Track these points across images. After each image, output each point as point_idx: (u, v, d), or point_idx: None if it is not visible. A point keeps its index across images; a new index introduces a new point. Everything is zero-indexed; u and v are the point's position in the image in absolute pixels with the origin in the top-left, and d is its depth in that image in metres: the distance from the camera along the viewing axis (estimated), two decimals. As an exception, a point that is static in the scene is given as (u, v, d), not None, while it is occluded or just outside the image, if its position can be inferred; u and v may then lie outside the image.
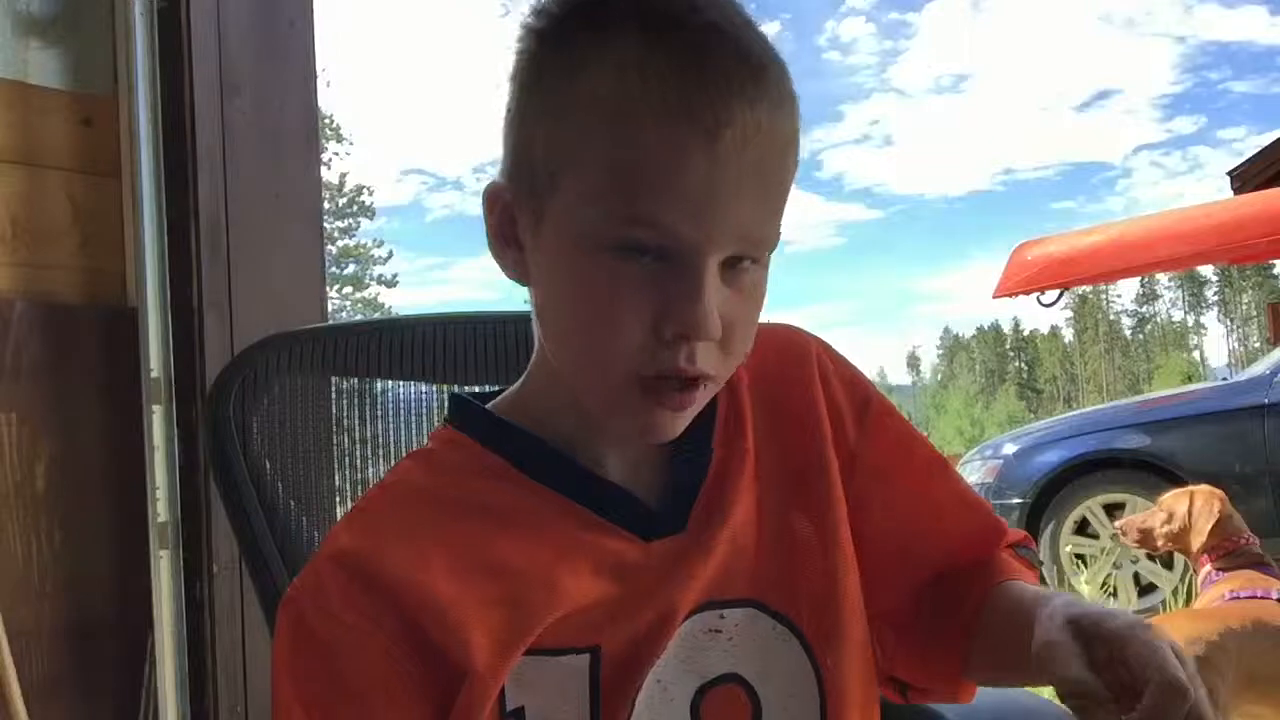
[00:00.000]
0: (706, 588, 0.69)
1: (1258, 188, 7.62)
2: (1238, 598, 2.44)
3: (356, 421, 1.03)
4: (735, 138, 0.59)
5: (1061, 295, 5.46)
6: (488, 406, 0.73)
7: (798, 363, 0.76)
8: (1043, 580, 0.77)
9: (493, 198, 0.68)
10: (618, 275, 0.61)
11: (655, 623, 0.67)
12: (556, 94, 0.62)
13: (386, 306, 43.32)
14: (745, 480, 0.72)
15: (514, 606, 0.64)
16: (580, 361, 0.66)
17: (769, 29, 0.66)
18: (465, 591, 0.63)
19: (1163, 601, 4.77)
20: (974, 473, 5.68)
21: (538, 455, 0.69)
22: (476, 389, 0.89)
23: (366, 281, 43.68)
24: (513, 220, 0.67)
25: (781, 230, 0.66)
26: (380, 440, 1.03)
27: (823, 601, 0.71)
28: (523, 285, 0.68)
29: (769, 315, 0.69)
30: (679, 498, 0.70)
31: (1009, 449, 5.63)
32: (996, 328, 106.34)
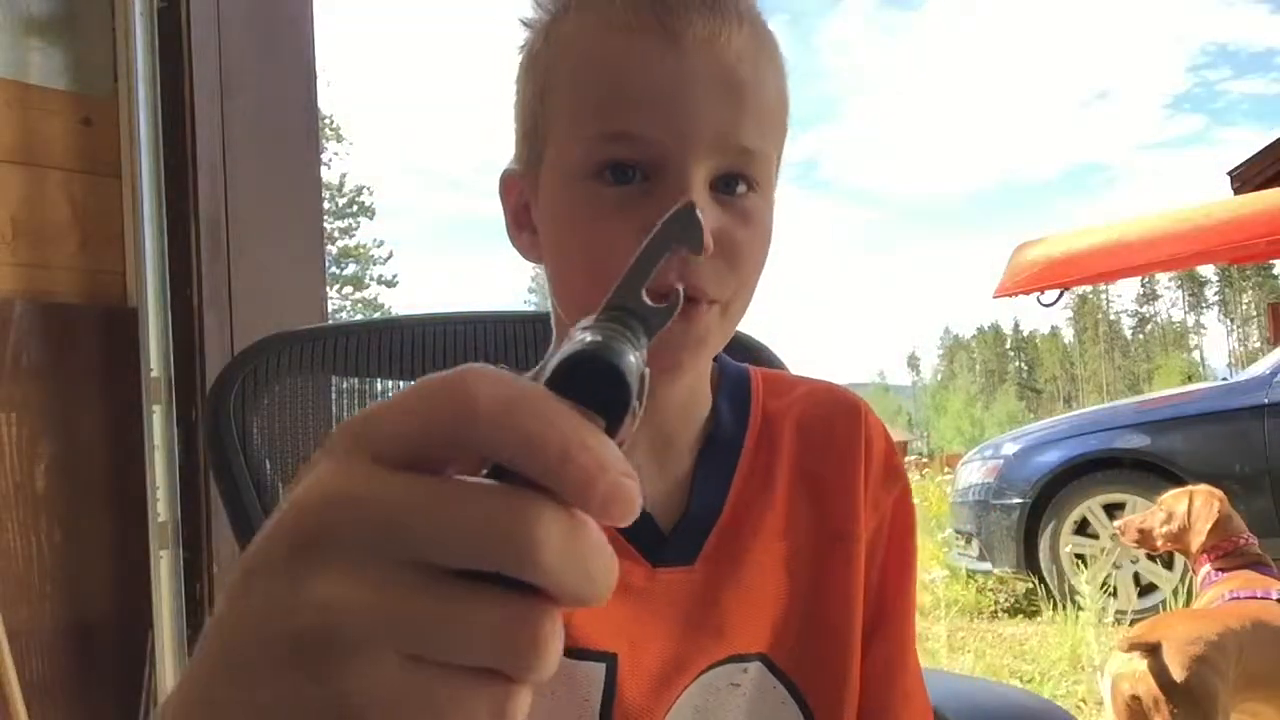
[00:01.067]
0: (727, 640, 0.68)
1: (1258, 188, 7.62)
2: (1237, 598, 2.44)
3: (356, 421, 1.03)
4: (697, 40, 0.62)
5: (1061, 295, 5.45)
6: None
7: (847, 419, 0.76)
8: None
9: (507, 184, 0.71)
10: (608, 199, 0.62)
11: (670, 662, 0.66)
12: (540, 54, 0.67)
13: (386, 306, 43.34)
14: (768, 532, 0.71)
15: None
16: (579, 291, 0.66)
17: None
18: None
19: (1162, 601, 4.77)
20: (974, 473, 5.68)
21: None
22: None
23: (366, 281, 43.68)
24: (526, 207, 0.69)
25: (775, 161, 0.67)
26: (380, 440, 1.03)
27: (839, 675, 0.70)
28: (538, 264, 0.70)
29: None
30: (693, 529, 0.69)
31: (1009, 449, 5.63)
32: (996, 328, 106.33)
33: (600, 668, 0.64)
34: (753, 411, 0.75)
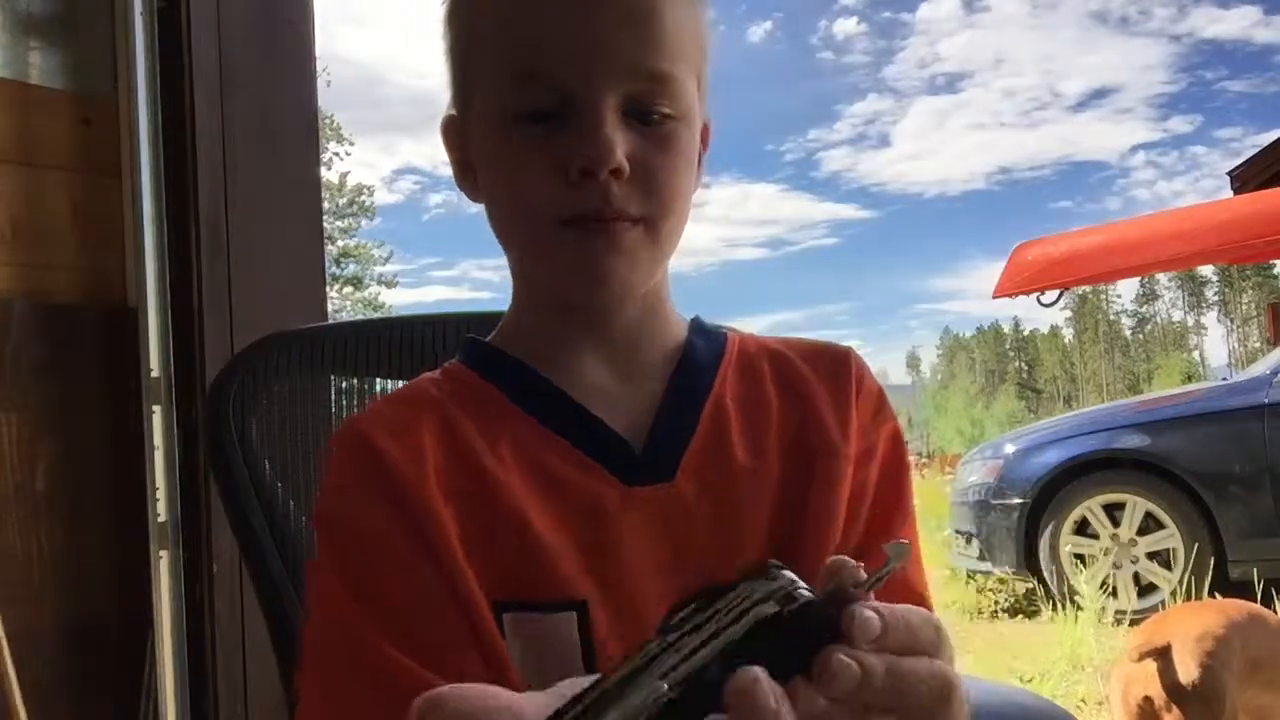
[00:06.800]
0: (717, 566, 0.64)
1: (1258, 188, 7.62)
2: None
3: (356, 421, 1.03)
4: None
5: (1061, 295, 5.46)
6: (488, 339, 0.75)
7: (835, 358, 0.76)
8: None
9: (447, 130, 0.74)
10: (529, 139, 0.66)
11: (646, 599, 0.63)
12: (460, 3, 0.72)
13: (387, 306, 43.35)
14: (765, 451, 0.69)
15: (481, 532, 0.63)
16: (513, 222, 0.70)
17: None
18: (447, 503, 0.64)
19: (1162, 602, 4.77)
20: (974, 473, 5.69)
21: (524, 384, 0.70)
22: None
23: (366, 282, 43.70)
24: (467, 148, 0.72)
25: (695, 87, 0.69)
26: (380, 440, 1.03)
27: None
28: (480, 203, 0.73)
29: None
30: (667, 445, 0.68)
31: (1009, 449, 5.63)
32: (996, 328, 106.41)
33: (571, 618, 0.62)
34: (728, 347, 0.76)
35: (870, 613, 0.41)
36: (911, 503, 0.75)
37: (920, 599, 0.71)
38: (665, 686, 0.34)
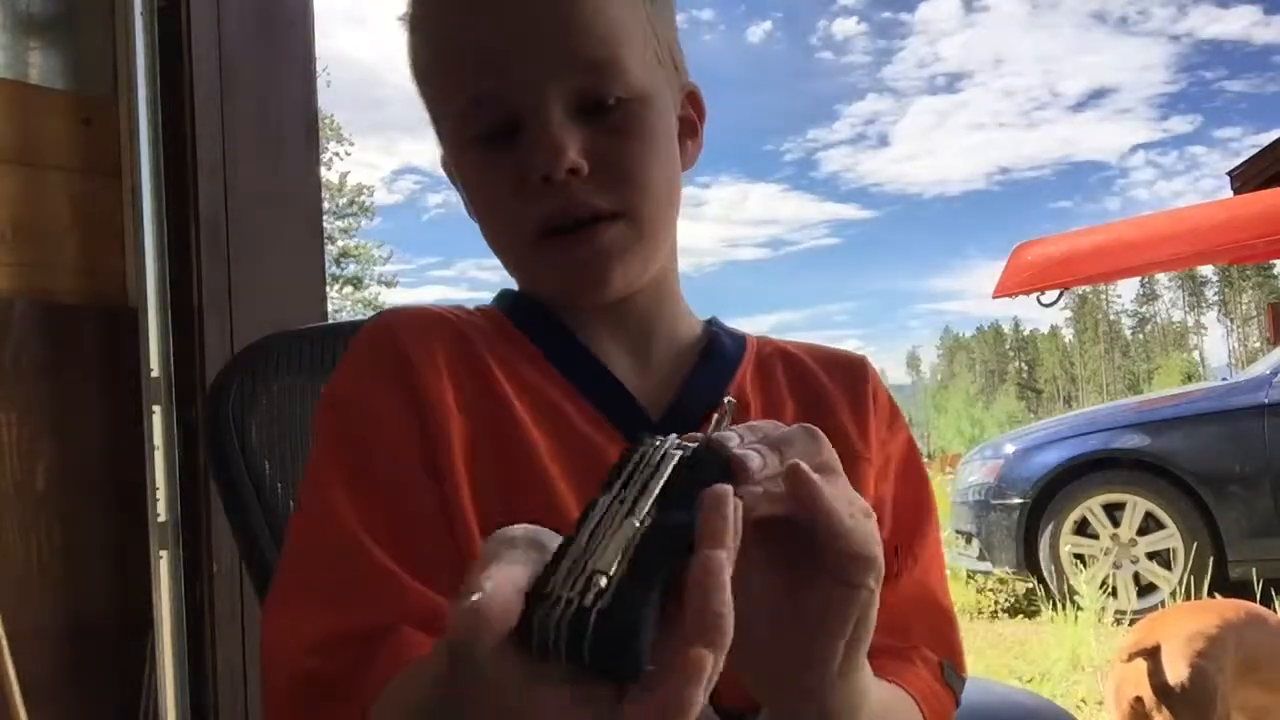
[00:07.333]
0: None
1: (1258, 188, 7.62)
2: None
3: (356, 421, 1.03)
4: None
5: (1061, 295, 5.46)
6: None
7: (851, 365, 0.77)
8: (956, 703, 0.69)
9: (444, 167, 0.76)
10: (491, 161, 0.67)
11: None
12: (410, 43, 0.72)
13: (387, 307, 43.30)
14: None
15: (487, 454, 0.64)
16: (497, 242, 0.71)
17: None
18: (462, 420, 0.65)
19: (1162, 602, 4.77)
20: (974, 473, 5.68)
21: (550, 334, 0.71)
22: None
23: (366, 282, 43.71)
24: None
25: (649, 61, 0.68)
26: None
27: None
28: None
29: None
30: (684, 417, 0.68)
31: (1009, 449, 5.63)
32: (996, 328, 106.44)
33: None
34: (749, 342, 0.77)
35: (745, 450, 0.45)
36: (935, 509, 0.75)
37: (936, 602, 0.72)
38: (637, 522, 0.38)
